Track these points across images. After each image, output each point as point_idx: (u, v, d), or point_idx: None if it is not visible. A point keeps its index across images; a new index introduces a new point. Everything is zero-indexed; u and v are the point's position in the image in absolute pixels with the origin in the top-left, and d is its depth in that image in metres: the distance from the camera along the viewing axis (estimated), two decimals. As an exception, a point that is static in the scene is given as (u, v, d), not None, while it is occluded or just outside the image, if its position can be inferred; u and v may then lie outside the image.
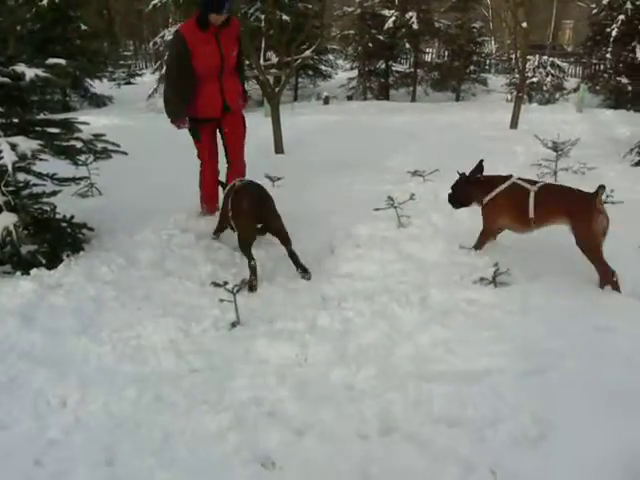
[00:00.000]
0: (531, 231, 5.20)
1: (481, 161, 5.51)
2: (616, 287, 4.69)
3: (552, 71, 19.69)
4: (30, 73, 5.10)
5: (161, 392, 3.60)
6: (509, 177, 5.27)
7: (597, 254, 4.73)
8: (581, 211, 4.75)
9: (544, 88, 19.47)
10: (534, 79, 19.28)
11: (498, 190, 5.23)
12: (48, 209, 5.77)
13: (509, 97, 18.57)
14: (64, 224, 5.83)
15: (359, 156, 9.34)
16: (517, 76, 14.64)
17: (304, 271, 5.16)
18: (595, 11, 19.81)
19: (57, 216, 5.85)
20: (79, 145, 5.59)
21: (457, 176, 5.60)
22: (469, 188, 5.51)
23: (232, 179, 6.08)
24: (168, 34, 19.23)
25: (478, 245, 5.49)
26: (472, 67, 21.89)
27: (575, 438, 3.05)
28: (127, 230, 6.12)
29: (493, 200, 5.27)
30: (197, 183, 6.64)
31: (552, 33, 37.27)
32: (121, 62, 30.52)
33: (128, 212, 6.69)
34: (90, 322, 4.45)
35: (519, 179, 5.20)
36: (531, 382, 3.55)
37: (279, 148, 10.07)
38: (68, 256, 5.57)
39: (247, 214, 5.20)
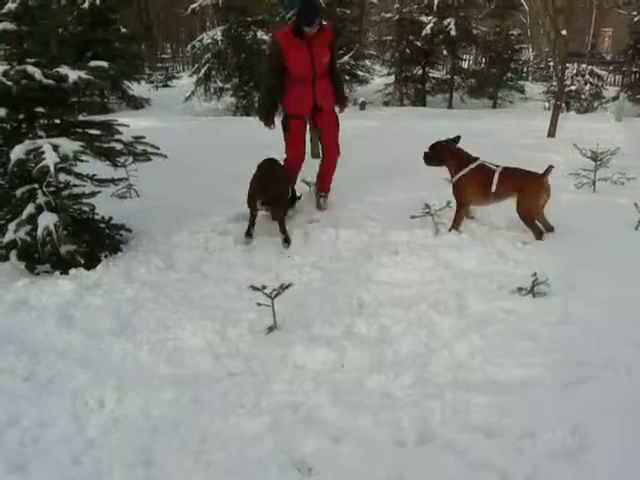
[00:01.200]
0: (488, 204, 6.19)
1: (458, 137, 6.34)
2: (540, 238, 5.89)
3: (591, 79, 19.51)
4: (73, 75, 5.16)
5: (198, 395, 3.62)
6: (477, 159, 6.13)
7: (532, 220, 5.93)
8: (530, 188, 5.92)
9: (582, 96, 19.29)
10: (572, 87, 19.11)
11: (468, 169, 6.08)
12: (87, 210, 5.84)
13: (547, 105, 18.41)
14: (102, 225, 5.90)
15: (395, 161, 9.30)
16: (555, 84, 14.51)
17: (285, 241, 5.99)
18: (636, 19, 19.57)
19: (96, 217, 5.92)
20: (119, 147, 5.64)
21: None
22: (447, 154, 6.24)
23: (323, 172, 7.16)
24: (206, 37, 19.37)
25: (456, 225, 6.18)
26: (509, 74, 21.74)
27: (614, 451, 3.00)
28: (165, 232, 6.18)
29: (465, 176, 6.09)
30: (234, 186, 6.70)
31: (591, 41, 36.87)
32: (159, 65, 30.77)
33: (166, 214, 6.75)
34: (128, 323, 4.49)
35: (485, 162, 6.11)
36: (569, 393, 3.50)
37: (315, 153, 10.06)
38: (106, 257, 5.65)
39: (251, 188, 6.17)
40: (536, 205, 5.94)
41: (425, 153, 6.40)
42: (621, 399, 3.40)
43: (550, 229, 6.06)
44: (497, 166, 6.05)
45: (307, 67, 6.47)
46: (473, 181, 6.08)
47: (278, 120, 6.77)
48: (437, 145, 6.34)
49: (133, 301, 4.83)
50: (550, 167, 5.90)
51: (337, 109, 7.07)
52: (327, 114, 6.93)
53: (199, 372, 3.88)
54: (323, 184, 7.17)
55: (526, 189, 5.91)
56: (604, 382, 3.57)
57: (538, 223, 5.98)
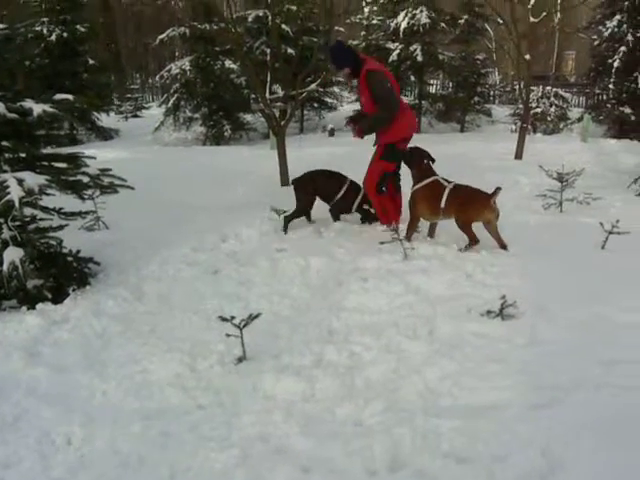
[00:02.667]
0: (438, 219, 6.55)
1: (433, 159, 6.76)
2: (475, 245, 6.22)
3: (556, 101, 19.76)
4: (38, 109, 5.15)
5: (167, 429, 3.59)
6: (434, 174, 6.54)
7: (469, 230, 6.23)
8: (473, 205, 6.25)
9: (548, 118, 19.52)
10: (538, 109, 19.35)
11: (424, 183, 6.48)
12: (54, 243, 5.80)
13: (513, 128, 18.61)
14: (70, 258, 5.85)
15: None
16: (521, 107, 14.69)
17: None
18: (597, 43, 19.92)
19: (64, 250, 5.87)
20: (86, 180, 5.61)
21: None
22: (416, 161, 6.64)
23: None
24: (174, 68, 19.37)
25: (408, 236, 6.48)
26: (476, 98, 21.94)
27: (584, 472, 2.99)
28: (133, 264, 6.14)
29: (419, 189, 6.49)
30: (203, 216, 6.62)
31: (555, 64, 37.44)
32: (128, 95, 30.69)
33: (134, 246, 6.71)
34: (96, 357, 4.45)
35: (441, 178, 6.48)
36: (539, 416, 3.50)
37: (285, 181, 10.09)
38: (74, 290, 5.60)
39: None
40: (473, 220, 6.29)
41: (403, 154, 6.82)
42: (591, 420, 3.40)
43: (503, 247, 6.29)
44: (449, 182, 6.42)
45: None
46: (425, 195, 6.45)
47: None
48: (415, 150, 6.73)
49: (101, 335, 4.80)
50: (498, 189, 6.20)
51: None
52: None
53: (168, 405, 3.85)
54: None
55: (469, 205, 6.25)
56: (573, 404, 3.57)
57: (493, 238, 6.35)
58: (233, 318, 4.27)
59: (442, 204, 6.28)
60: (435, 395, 3.78)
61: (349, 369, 4.14)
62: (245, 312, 4.70)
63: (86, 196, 6.14)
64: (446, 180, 6.46)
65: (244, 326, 4.27)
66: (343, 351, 4.35)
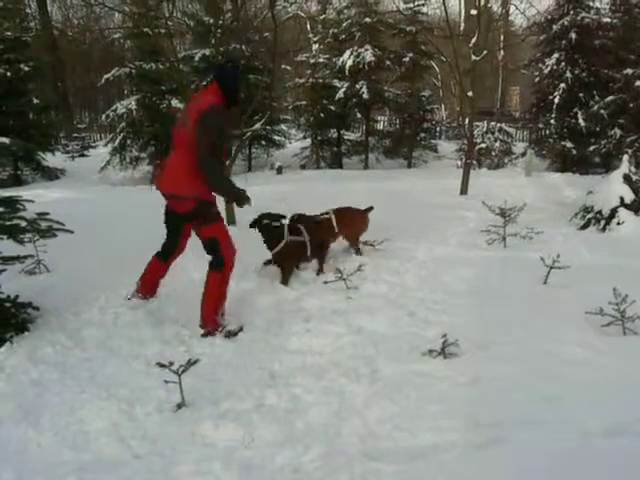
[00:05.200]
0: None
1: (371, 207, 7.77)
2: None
3: (500, 136, 20.09)
4: (-28, 153, 5.06)
5: (101, 481, 3.48)
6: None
7: (357, 243, 7.60)
8: (358, 223, 7.59)
9: (493, 153, 19.84)
10: (483, 144, 19.66)
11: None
12: (-9, 289, 5.65)
13: (459, 163, 18.85)
14: (8, 304, 5.70)
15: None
16: (466, 142, 14.91)
17: None
18: (538, 79, 20.41)
19: (1, 295, 5.72)
20: (23, 224, 5.50)
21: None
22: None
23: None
24: (120, 107, 19.28)
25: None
26: (423, 134, 22.23)
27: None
28: (74, 309, 6.01)
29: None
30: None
31: (500, 99, 38.16)
32: (75, 134, 30.40)
33: (76, 289, 6.58)
34: (31, 407, 4.31)
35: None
36: (481, 456, 3.50)
37: (231, 219, 10.06)
38: (11, 337, 5.43)
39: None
40: (360, 234, 7.65)
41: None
42: (532, 459, 3.42)
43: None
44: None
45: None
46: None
47: None
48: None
49: (37, 383, 4.65)
50: (371, 207, 7.74)
51: None
52: None
53: (103, 456, 3.73)
54: None
55: (354, 225, 7.59)
56: (516, 442, 3.58)
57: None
58: (172, 364, 4.19)
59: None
60: (375, 438, 3.76)
61: (289, 413, 4.10)
62: (187, 356, 4.64)
63: (26, 239, 6.01)
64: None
65: (182, 372, 4.20)
66: (284, 394, 4.31)
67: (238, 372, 4.73)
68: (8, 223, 5.44)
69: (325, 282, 6.27)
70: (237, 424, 3.95)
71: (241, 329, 5.57)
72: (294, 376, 4.60)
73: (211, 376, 4.67)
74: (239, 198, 5.69)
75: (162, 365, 4.21)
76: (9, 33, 20.62)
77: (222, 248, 5.65)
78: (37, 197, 5.95)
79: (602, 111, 17.35)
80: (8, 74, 19.96)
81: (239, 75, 5.80)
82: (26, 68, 20.57)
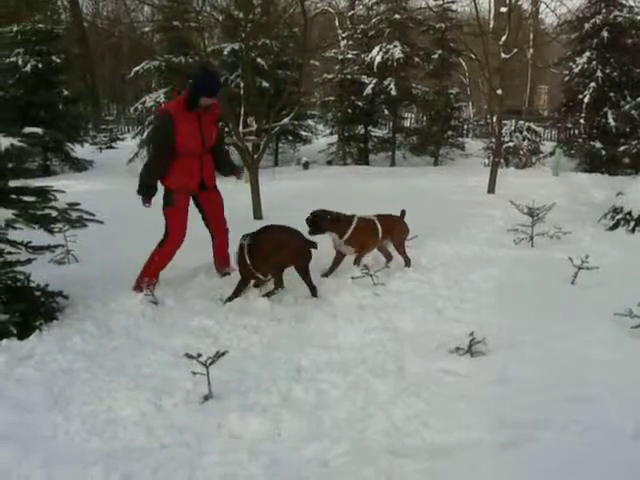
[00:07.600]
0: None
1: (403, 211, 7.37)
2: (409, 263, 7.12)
3: (528, 135, 19.94)
4: (5, 142, 5.10)
5: (129, 470, 3.49)
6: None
7: (404, 250, 7.12)
8: (399, 229, 7.14)
9: (521, 152, 19.70)
10: (511, 143, 19.52)
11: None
12: (22, 277, 5.70)
13: (486, 161, 18.75)
14: (38, 293, 5.77)
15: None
16: (494, 141, 14.83)
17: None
18: (567, 78, 20.24)
19: (31, 284, 5.78)
20: (54, 214, 5.55)
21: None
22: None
23: (219, 251, 6.85)
24: (149, 100, 19.36)
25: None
26: (450, 132, 22.12)
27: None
28: (102, 298, 6.06)
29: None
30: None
31: (528, 98, 37.87)
32: (103, 126, 30.62)
33: (104, 279, 6.65)
34: (60, 395, 4.35)
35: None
36: (506, 455, 3.49)
37: (258, 214, 10.11)
38: (41, 325, 5.49)
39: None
40: (404, 240, 7.25)
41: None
42: (557, 459, 3.41)
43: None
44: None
45: (197, 142, 6.29)
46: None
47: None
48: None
49: (67, 372, 4.70)
50: (403, 211, 7.30)
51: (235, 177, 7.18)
52: (212, 193, 6.78)
53: (131, 445, 3.75)
54: (225, 262, 6.95)
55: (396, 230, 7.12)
56: (540, 442, 3.58)
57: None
58: (200, 356, 4.21)
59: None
60: (401, 434, 3.75)
61: (316, 408, 4.10)
62: (214, 348, 4.66)
63: (55, 230, 6.07)
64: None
65: (210, 364, 4.22)
66: (311, 389, 4.31)
67: (265, 365, 4.74)
68: (40, 213, 5.48)
69: (352, 278, 6.26)
70: (264, 417, 3.95)
71: (155, 303, 6.02)
72: (320, 371, 4.60)
73: (238, 368, 4.69)
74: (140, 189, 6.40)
75: (190, 356, 4.23)
76: (41, 25, 20.85)
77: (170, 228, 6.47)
78: (65, 188, 5.98)
79: (633, 111, 17.18)
80: (40, 66, 20.17)
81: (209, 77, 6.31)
82: (57, 60, 20.78)
